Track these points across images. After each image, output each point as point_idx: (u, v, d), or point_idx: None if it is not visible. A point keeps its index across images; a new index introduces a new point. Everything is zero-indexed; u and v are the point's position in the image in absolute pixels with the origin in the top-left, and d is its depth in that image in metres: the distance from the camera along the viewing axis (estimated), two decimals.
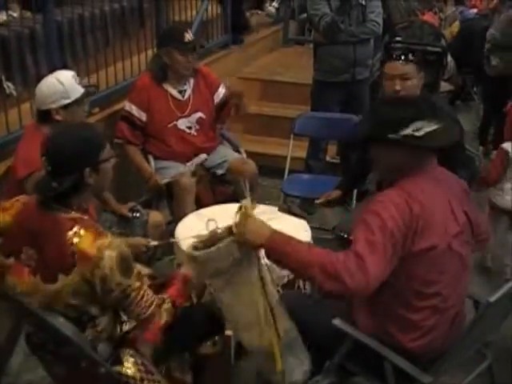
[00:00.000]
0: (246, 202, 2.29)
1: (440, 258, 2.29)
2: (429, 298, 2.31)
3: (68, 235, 2.12)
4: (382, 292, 2.28)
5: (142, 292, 2.23)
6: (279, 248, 2.22)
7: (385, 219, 2.18)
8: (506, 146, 3.76)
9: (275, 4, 7.26)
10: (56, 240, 2.13)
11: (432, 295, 2.31)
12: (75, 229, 2.13)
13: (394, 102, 2.43)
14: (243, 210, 2.27)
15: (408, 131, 2.34)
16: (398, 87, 3.27)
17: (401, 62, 3.29)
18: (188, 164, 3.94)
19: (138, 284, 2.23)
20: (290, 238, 2.26)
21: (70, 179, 2.17)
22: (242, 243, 2.24)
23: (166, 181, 3.85)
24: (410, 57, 3.27)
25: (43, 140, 2.27)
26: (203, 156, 4.01)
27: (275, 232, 2.25)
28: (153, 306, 2.27)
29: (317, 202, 3.63)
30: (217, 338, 2.63)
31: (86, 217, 2.22)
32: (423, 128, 2.32)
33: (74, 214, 2.19)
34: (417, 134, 2.32)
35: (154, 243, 3.06)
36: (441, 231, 2.28)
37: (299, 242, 2.28)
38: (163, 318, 2.31)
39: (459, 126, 2.58)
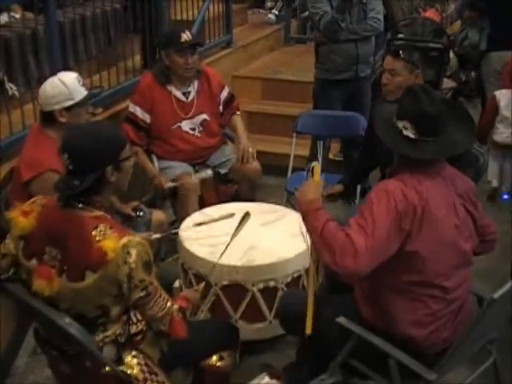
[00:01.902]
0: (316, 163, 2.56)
1: (442, 247, 2.31)
2: (430, 288, 2.33)
3: (93, 233, 2.12)
4: (383, 281, 2.33)
5: (159, 289, 2.26)
6: (309, 219, 2.37)
7: (375, 205, 2.25)
8: (497, 92, 4.58)
9: (275, 11, 7.24)
10: (82, 239, 2.13)
11: (434, 285, 2.33)
12: (100, 227, 2.14)
13: (421, 92, 2.37)
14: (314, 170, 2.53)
15: (400, 124, 2.37)
16: (384, 80, 3.33)
17: (392, 57, 3.33)
18: (193, 177, 3.88)
19: (156, 282, 2.25)
20: (321, 216, 2.35)
21: (92, 177, 2.16)
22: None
23: (169, 185, 3.84)
24: (401, 54, 3.29)
25: (62, 138, 2.26)
26: (209, 172, 3.95)
27: (316, 207, 2.38)
28: (169, 303, 2.29)
29: None
30: (225, 353, 2.63)
31: (108, 215, 2.23)
32: (408, 130, 2.34)
33: (97, 213, 2.20)
34: (404, 132, 2.36)
35: (157, 236, 3.07)
36: (442, 222, 2.31)
37: (327, 220, 2.34)
38: (179, 315, 2.34)
39: (469, 139, 2.53)
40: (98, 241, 2.11)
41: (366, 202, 2.33)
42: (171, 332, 2.33)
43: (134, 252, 2.11)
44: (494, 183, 4.81)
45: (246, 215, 3.12)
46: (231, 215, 3.32)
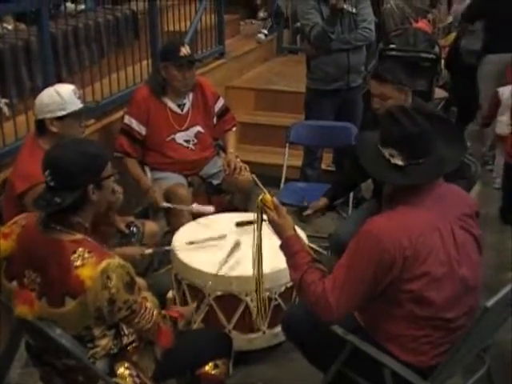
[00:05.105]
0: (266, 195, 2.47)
1: (438, 282, 2.24)
2: (430, 320, 2.27)
3: (72, 258, 2.09)
4: (381, 309, 2.31)
5: (144, 304, 2.25)
6: (289, 252, 2.42)
7: (358, 257, 2.23)
8: (500, 88, 5.12)
9: (264, 31, 7.26)
10: (60, 264, 2.10)
11: (434, 318, 2.27)
12: (79, 251, 2.10)
13: (400, 114, 2.29)
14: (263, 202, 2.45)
15: (386, 153, 2.29)
16: (376, 105, 3.33)
17: (378, 82, 3.31)
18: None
19: (140, 297, 2.24)
20: (301, 250, 2.40)
21: (73, 195, 2.13)
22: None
23: (165, 205, 3.81)
24: (386, 78, 3.27)
25: (45, 154, 2.23)
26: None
27: (294, 236, 2.43)
28: (155, 315, 2.29)
29: (305, 214, 3.64)
30: (219, 361, 2.62)
31: (88, 238, 2.19)
32: (395, 157, 2.27)
33: (77, 236, 2.16)
34: (392, 160, 2.28)
35: (149, 251, 3.06)
36: (436, 257, 2.23)
37: (305, 257, 2.37)
38: (167, 324, 2.35)
39: (458, 153, 2.45)
40: (76, 267, 2.07)
41: (350, 247, 2.27)
42: (157, 342, 2.35)
43: (113, 276, 2.08)
44: (497, 184, 5.06)
45: (236, 245, 3.13)
46: (223, 236, 3.29)
